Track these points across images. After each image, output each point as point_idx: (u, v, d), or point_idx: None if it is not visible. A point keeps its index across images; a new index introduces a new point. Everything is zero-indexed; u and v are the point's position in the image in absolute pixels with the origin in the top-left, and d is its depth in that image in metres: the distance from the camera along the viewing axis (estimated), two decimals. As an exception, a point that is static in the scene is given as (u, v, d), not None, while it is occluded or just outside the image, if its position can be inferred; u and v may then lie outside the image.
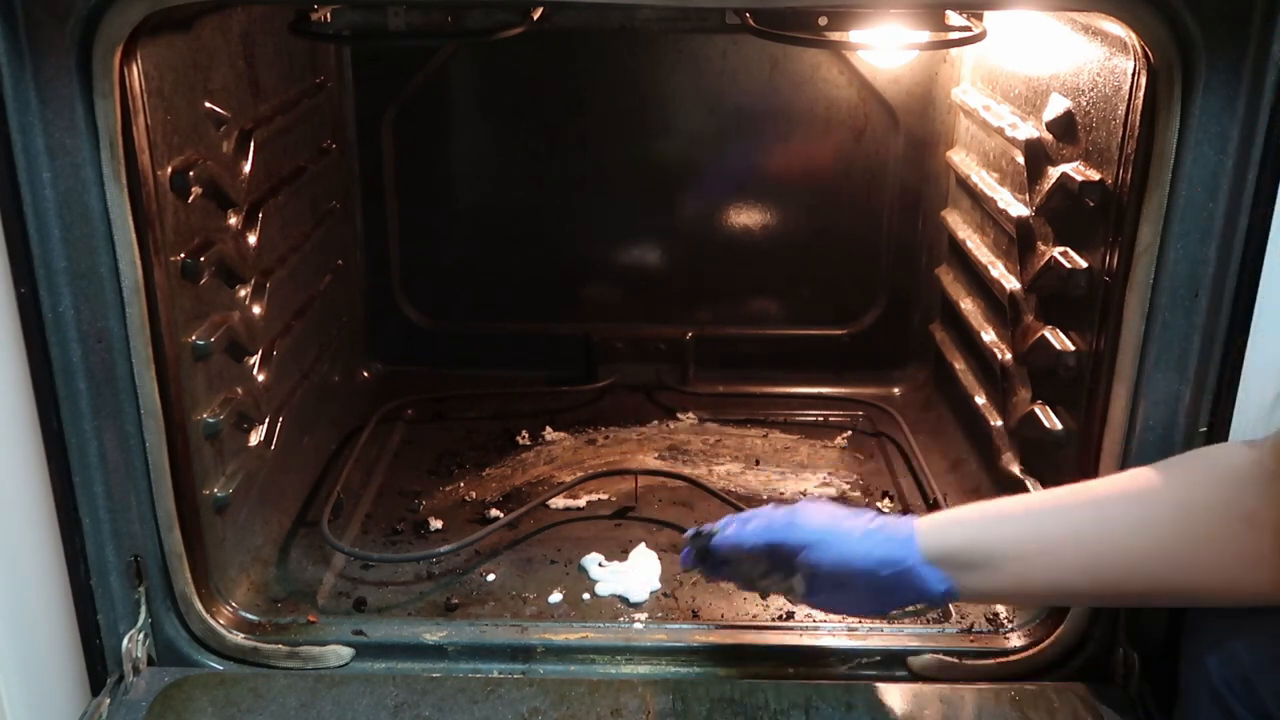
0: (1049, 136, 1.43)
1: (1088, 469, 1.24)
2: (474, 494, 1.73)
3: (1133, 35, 1.10)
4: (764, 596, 1.27)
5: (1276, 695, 1.03)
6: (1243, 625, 1.06)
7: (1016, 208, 1.54)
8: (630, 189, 2.03)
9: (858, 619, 1.40)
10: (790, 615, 1.41)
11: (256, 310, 1.51)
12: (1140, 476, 1.11)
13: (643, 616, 1.40)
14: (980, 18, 1.53)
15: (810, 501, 1.24)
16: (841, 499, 1.73)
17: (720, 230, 2.04)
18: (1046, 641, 1.29)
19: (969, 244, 1.78)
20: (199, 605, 1.29)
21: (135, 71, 1.13)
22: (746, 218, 2.03)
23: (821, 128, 1.98)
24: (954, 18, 1.52)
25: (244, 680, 1.26)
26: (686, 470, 1.78)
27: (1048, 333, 1.40)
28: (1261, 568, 1.01)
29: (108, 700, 1.23)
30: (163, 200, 1.21)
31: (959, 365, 1.87)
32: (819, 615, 1.41)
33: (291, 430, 1.64)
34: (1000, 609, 1.41)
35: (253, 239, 1.50)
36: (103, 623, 1.25)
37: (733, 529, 1.20)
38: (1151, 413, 1.18)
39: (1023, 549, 1.10)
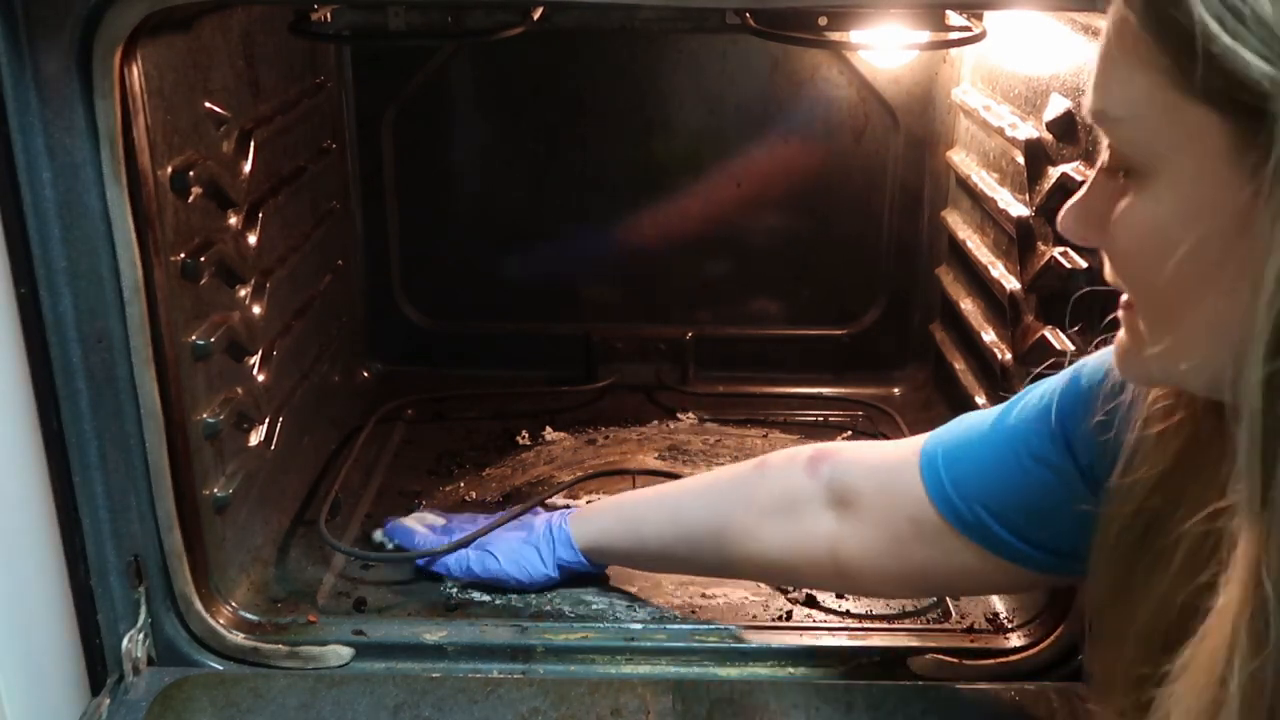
0: (1049, 136, 1.43)
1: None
2: (474, 494, 1.73)
3: (1133, 35, 1.10)
4: None
5: None
6: None
7: (1016, 208, 1.54)
8: (630, 189, 2.03)
9: (856, 620, 1.41)
10: (789, 615, 1.41)
11: (256, 310, 1.51)
12: (720, 484, 1.34)
13: (643, 616, 1.40)
14: (980, 18, 1.53)
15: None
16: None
17: (720, 230, 2.04)
18: (1046, 641, 1.29)
19: (969, 244, 1.78)
20: (199, 605, 1.29)
21: (135, 71, 1.13)
22: (746, 218, 2.03)
23: (821, 128, 1.98)
24: (954, 18, 1.52)
25: (244, 680, 1.26)
26: (687, 470, 1.78)
27: (1048, 333, 1.40)
28: (820, 573, 1.26)
29: (108, 700, 1.23)
30: (163, 200, 1.21)
31: (959, 365, 1.87)
32: (819, 615, 1.41)
33: (291, 430, 1.64)
34: (1000, 609, 1.41)
35: (253, 239, 1.50)
36: (103, 623, 1.25)
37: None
38: (1151, 413, 1.18)
39: (623, 540, 1.38)
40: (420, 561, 1.46)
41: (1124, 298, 0.78)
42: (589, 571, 1.42)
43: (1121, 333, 0.79)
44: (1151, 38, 0.65)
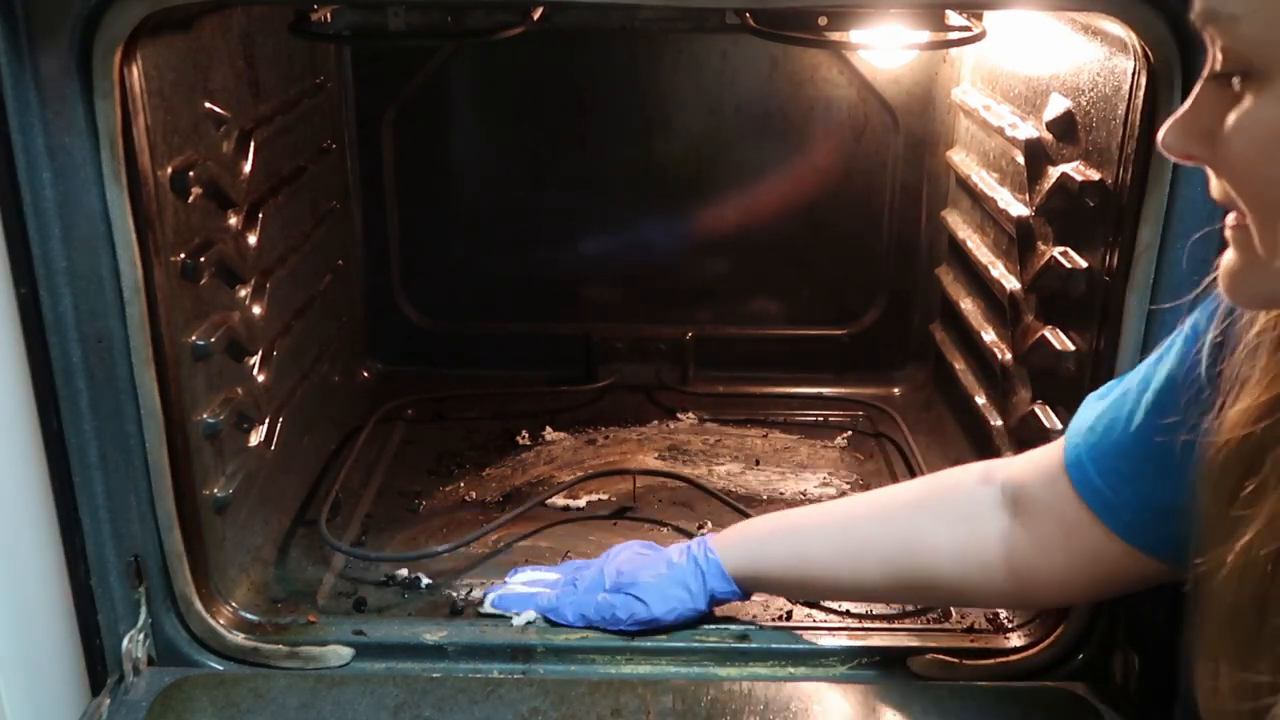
0: (1049, 136, 1.43)
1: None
2: (474, 494, 1.73)
3: (1133, 35, 1.10)
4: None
5: None
6: None
7: (1016, 208, 1.54)
8: (630, 189, 2.03)
9: (856, 620, 1.40)
10: (789, 615, 1.41)
11: (256, 310, 1.51)
12: (887, 497, 1.31)
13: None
14: (980, 18, 1.53)
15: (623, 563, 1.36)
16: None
17: (720, 230, 2.04)
18: (1046, 641, 1.29)
19: (969, 244, 1.78)
20: (199, 605, 1.29)
21: (135, 71, 1.13)
22: (746, 217, 2.03)
23: (821, 128, 1.98)
24: (954, 18, 1.52)
25: (244, 680, 1.26)
26: (687, 470, 1.78)
27: (1048, 333, 1.40)
28: (992, 581, 1.19)
29: (108, 700, 1.23)
30: (163, 200, 1.21)
31: (959, 365, 1.87)
32: (819, 615, 1.41)
33: (291, 430, 1.64)
34: (1001, 609, 1.41)
35: (253, 239, 1.50)
36: (103, 623, 1.25)
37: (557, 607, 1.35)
38: (1151, 413, 1.18)
39: (788, 566, 1.30)
40: (550, 615, 1.34)
41: (1231, 218, 0.74)
42: (736, 600, 1.33)
43: (1231, 254, 0.75)
44: None
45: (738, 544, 1.33)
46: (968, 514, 1.20)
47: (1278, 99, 0.66)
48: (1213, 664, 0.84)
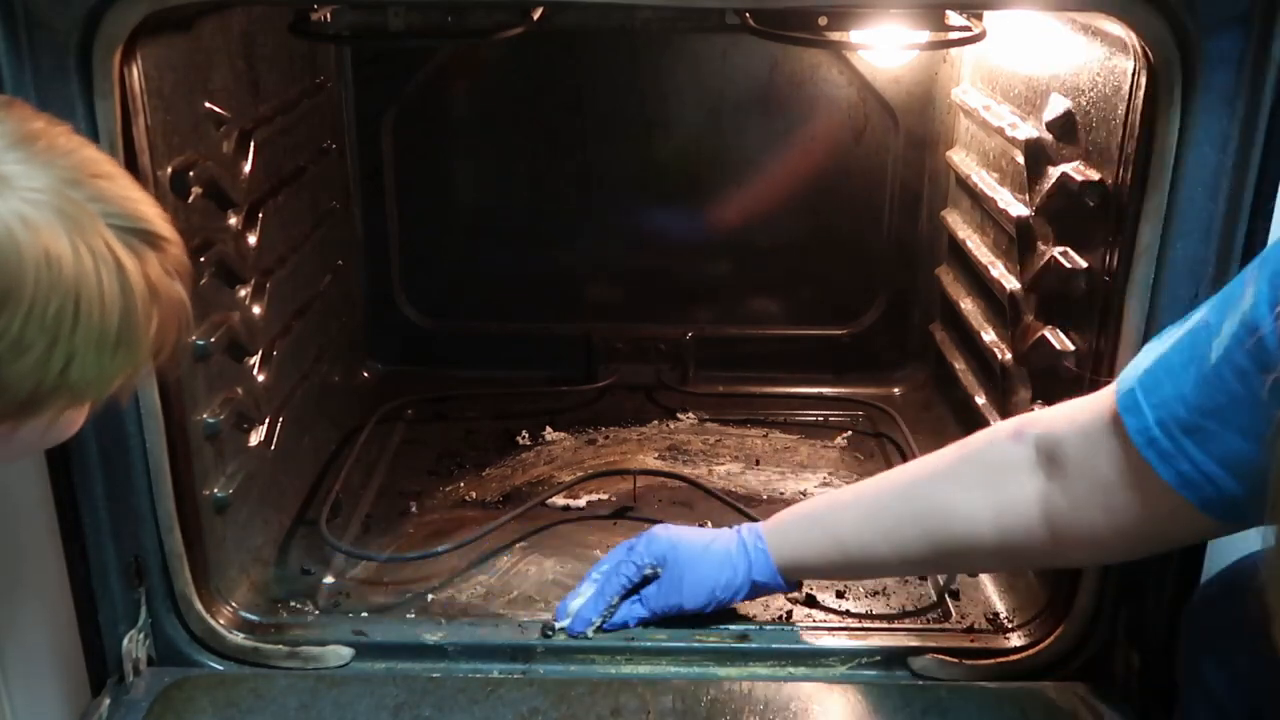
0: (1049, 136, 1.43)
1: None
2: (474, 494, 1.73)
3: (1133, 35, 1.10)
4: None
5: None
6: (1244, 641, 1.05)
7: (1016, 207, 1.54)
8: (630, 189, 2.03)
9: (856, 620, 1.40)
10: (789, 615, 1.41)
11: (256, 310, 1.51)
12: (917, 469, 1.28)
13: (643, 616, 1.40)
14: (980, 18, 1.53)
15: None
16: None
17: (720, 230, 2.04)
18: (1046, 641, 1.30)
19: (969, 244, 1.78)
20: (199, 605, 1.29)
21: (135, 72, 1.13)
22: (746, 217, 2.03)
23: (821, 128, 1.98)
24: (954, 18, 1.52)
25: (244, 681, 1.26)
26: (686, 470, 1.78)
27: (1048, 333, 1.40)
28: (1034, 541, 1.15)
29: (108, 700, 1.23)
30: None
31: (959, 365, 1.87)
32: (819, 615, 1.41)
33: (291, 430, 1.64)
34: (1000, 609, 1.41)
35: (253, 239, 1.50)
36: (103, 623, 1.25)
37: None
38: (1151, 413, 1.18)
39: (824, 549, 1.29)
40: (597, 620, 1.35)
41: None
42: (780, 590, 1.35)
43: None
44: None
45: (781, 532, 1.32)
46: (1000, 477, 1.16)
47: None
48: None
